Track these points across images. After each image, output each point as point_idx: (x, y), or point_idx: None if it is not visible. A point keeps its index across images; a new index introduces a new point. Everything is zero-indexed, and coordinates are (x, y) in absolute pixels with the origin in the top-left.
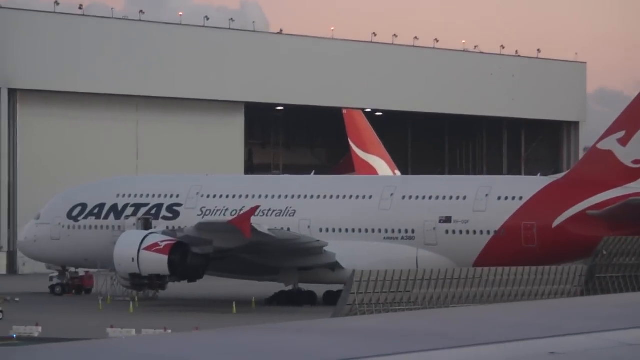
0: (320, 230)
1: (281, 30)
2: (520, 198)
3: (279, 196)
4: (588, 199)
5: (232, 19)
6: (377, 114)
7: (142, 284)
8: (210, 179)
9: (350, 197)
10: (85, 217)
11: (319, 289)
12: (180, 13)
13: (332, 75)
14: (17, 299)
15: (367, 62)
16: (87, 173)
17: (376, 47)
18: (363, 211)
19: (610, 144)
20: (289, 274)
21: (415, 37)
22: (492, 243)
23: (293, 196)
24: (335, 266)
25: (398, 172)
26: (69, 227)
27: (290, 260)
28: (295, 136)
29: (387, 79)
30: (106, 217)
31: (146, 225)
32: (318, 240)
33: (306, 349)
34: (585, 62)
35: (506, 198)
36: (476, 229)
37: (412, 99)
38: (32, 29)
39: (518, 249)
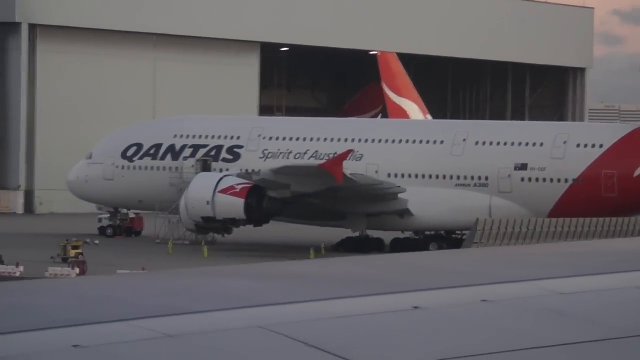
0: (389, 175)
1: None
2: (601, 146)
3: (345, 139)
4: None
5: None
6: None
7: (211, 227)
8: (272, 120)
9: (421, 142)
10: (141, 158)
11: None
12: None
13: (341, 16)
14: (97, 242)
15: (380, 3)
16: (105, 111)
17: None
18: (434, 157)
19: None
20: (357, 220)
21: None
22: (570, 192)
23: (360, 140)
24: (405, 213)
25: (429, 117)
26: (123, 167)
27: (361, 206)
28: (297, 78)
29: (397, 20)
30: (163, 158)
31: (205, 167)
32: (399, 187)
33: (232, 293)
34: (593, 8)
35: (585, 146)
36: (553, 177)
37: (417, 42)
38: None
39: (597, 199)
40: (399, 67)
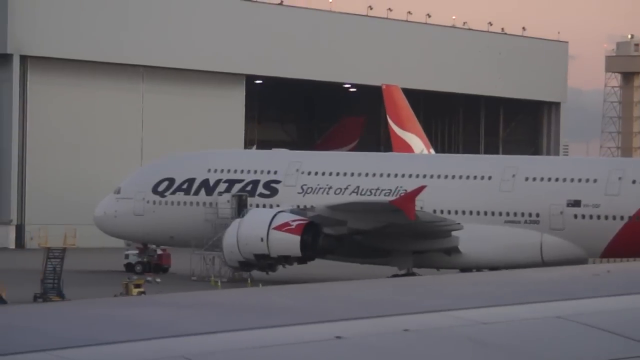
0: (434, 211)
1: (282, 2)
2: None
3: (388, 174)
4: None
5: None
6: (351, 89)
7: (259, 265)
8: (309, 155)
9: (467, 177)
10: (173, 193)
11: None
12: None
13: (327, 48)
14: (158, 280)
15: (361, 36)
16: (95, 142)
17: (371, 20)
18: (481, 192)
19: None
20: (403, 257)
21: (409, 12)
22: (626, 230)
23: (403, 175)
24: (452, 250)
25: (432, 151)
26: (154, 202)
27: (408, 243)
28: (266, 111)
29: (375, 54)
30: (196, 193)
31: (240, 202)
32: (458, 223)
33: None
34: (567, 42)
35: None
36: (608, 214)
37: (389, 74)
38: None
39: None
40: (403, 101)
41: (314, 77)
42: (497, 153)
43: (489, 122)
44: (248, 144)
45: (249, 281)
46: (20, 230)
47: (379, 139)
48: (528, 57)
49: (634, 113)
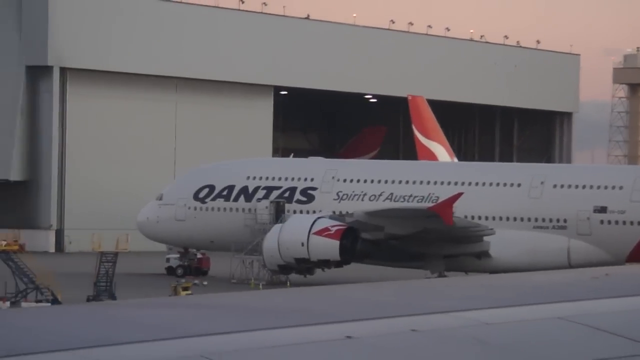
0: (465, 217)
1: (308, 16)
2: None
3: (420, 182)
4: None
5: (264, 3)
6: (371, 100)
7: (298, 268)
8: (345, 163)
9: (497, 184)
10: (214, 199)
11: None
12: None
13: (349, 60)
14: (205, 283)
15: (383, 49)
16: (130, 151)
17: (392, 34)
18: (511, 199)
19: None
20: (435, 261)
21: (429, 26)
22: None
23: (436, 182)
24: (482, 255)
25: (455, 159)
26: (195, 208)
27: (440, 248)
28: (290, 121)
29: (395, 66)
30: (236, 200)
31: (278, 208)
32: (492, 229)
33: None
34: (579, 54)
35: None
36: (633, 219)
37: (407, 85)
38: (82, 11)
39: None
40: (428, 111)
41: (336, 88)
42: (512, 161)
43: (504, 132)
44: (274, 153)
45: (288, 284)
46: (59, 235)
47: (397, 148)
48: (541, 69)
49: (639, 123)
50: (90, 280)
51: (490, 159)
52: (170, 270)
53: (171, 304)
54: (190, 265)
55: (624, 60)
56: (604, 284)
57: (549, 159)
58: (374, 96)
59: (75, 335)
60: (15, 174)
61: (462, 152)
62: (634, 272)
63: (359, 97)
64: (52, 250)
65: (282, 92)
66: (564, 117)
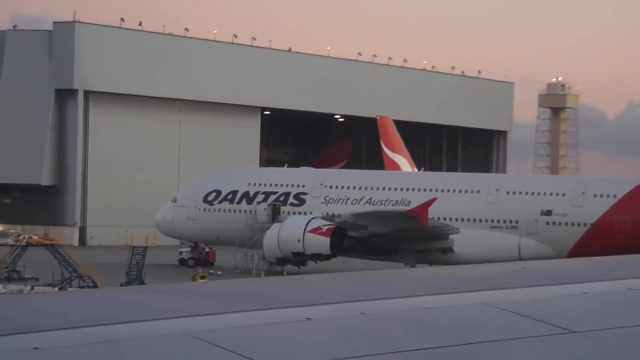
0: (432, 218)
1: (290, 49)
2: (614, 196)
3: (395, 189)
4: None
5: (254, 37)
6: (340, 119)
7: (294, 260)
8: (331, 172)
9: (460, 191)
10: (220, 202)
11: None
12: (215, 31)
13: (322, 86)
14: (219, 273)
15: (350, 76)
16: (141, 161)
17: (359, 64)
18: (472, 203)
19: None
20: (408, 255)
21: (390, 58)
22: (588, 234)
23: (407, 189)
24: (447, 250)
25: (415, 169)
26: (204, 209)
27: (414, 244)
28: (273, 135)
29: (358, 89)
30: (239, 202)
31: (274, 210)
32: (457, 228)
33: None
34: (513, 82)
35: (601, 196)
36: (574, 221)
37: (369, 107)
38: (102, 44)
39: (612, 240)
40: (393, 129)
41: (310, 109)
42: (456, 172)
43: (450, 147)
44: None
45: (284, 274)
46: (82, 231)
47: (361, 160)
48: (482, 95)
49: (560, 140)
50: (121, 270)
51: (439, 170)
52: (182, 262)
53: (166, 291)
54: (199, 257)
55: (547, 87)
56: (522, 276)
57: (487, 171)
58: (342, 116)
59: (105, 315)
60: (45, 180)
61: (416, 164)
62: (546, 265)
63: (330, 116)
64: (76, 243)
65: (266, 112)
66: (500, 135)
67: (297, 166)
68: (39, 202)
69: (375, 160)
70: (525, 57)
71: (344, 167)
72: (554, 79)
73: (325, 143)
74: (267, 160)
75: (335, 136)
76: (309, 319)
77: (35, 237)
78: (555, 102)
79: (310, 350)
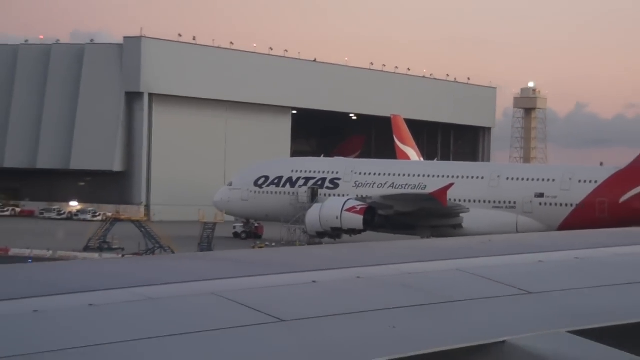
0: (448, 200)
1: (315, 59)
2: (596, 182)
3: (413, 175)
4: None
5: (286, 50)
6: (354, 117)
7: (333, 234)
8: (360, 161)
9: (468, 177)
10: (268, 185)
11: None
12: (254, 44)
13: (340, 90)
14: (273, 244)
15: (363, 82)
16: (195, 153)
17: (372, 72)
18: (477, 187)
19: None
20: (424, 230)
21: (396, 67)
22: (574, 213)
23: (423, 175)
24: (457, 226)
25: (422, 159)
26: (255, 192)
27: (430, 221)
28: (298, 131)
29: (370, 92)
30: (284, 186)
31: (313, 193)
32: (468, 209)
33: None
34: (496, 87)
35: (585, 181)
36: (562, 202)
37: (380, 107)
38: (164, 54)
39: (593, 218)
40: (404, 125)
41: (329, 109)
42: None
43: (444, 141)
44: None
45: (323, 244)
46: (147, 208)
47: (371, 151)
48: (470, 97)
49: (531, 135)
50: (191, 241)
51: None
52: (236, 235)
53: (193, 257)
54: (250, 231)
55: (521, 92)
56: (489, 247)
57: (475, 160)
58: (356, 115)
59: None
60: (117, 166)
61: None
62: (509, 238)
63: (345, 115)
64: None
65: (294, 112)
66: (485, 131)
67: (319, 156)
68: (112, 185)
69: (383, 151)
70: (505, 67)
71: (358, 157)
72: (527, 85)
73: (341, 137)
74: (295, 151)
75: (350, 131)
76: (314, 281)
77: (109, 214)
78: (527, 104)
79: (315, 306)
